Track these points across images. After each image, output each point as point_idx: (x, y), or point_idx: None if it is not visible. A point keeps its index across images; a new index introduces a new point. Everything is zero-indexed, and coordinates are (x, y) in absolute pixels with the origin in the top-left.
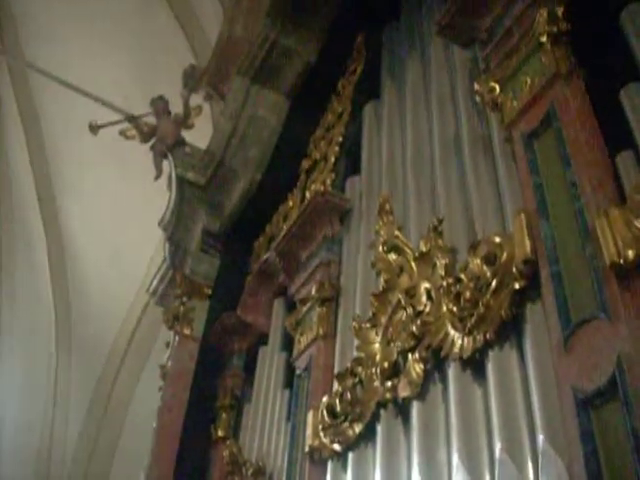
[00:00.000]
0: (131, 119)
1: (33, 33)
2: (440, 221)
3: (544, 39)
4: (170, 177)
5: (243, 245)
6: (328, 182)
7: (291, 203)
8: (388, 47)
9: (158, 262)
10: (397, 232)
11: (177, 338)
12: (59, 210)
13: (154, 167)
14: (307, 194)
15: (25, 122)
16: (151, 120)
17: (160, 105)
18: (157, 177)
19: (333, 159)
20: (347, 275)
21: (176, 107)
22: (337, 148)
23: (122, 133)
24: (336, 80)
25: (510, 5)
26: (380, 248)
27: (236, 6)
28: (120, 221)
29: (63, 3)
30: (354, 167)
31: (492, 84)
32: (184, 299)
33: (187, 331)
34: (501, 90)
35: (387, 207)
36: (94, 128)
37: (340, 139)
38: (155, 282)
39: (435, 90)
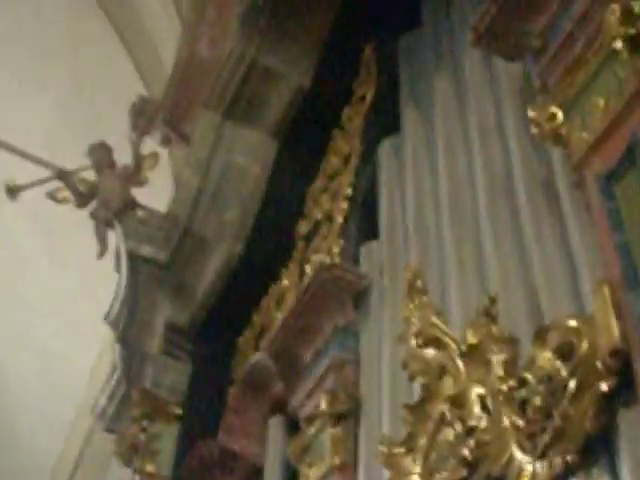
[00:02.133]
0: (62, 175)
1: None
2: (493, 300)
3: (619, 45)
4: (118, 254)
5: (222, 343)
6: (336, 251)
7: (286, 282)
8: (407, 63)
9: (105, 372)
10: (434, 318)
11: (137, 479)
12: None
13: (96, 241)
14: (307, 269)
15: None
16: (90, 176)
17: (101, 155)
18: (101, 255)
19: (341, 219)
20: (368, 380)
21: (123, 156)
22: (345, 203)
23: (51, 196)
24: (339, 110)
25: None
26: (412, 341)
27: (199, 18)
28: (51, 316)
29: None
30: (370, 229)
31: (552, 109)
32: (144, 423)
33: (150, 468)
34: (565, 117)
35: (418, 284)
36: (12, 190)
37: (349, 191)
38: (102, 400)
39: (474, 118)
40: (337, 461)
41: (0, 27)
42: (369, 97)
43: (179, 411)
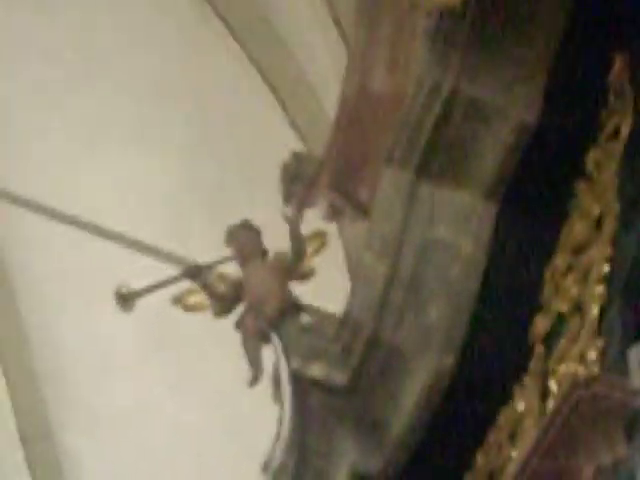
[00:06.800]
0: (193, 272)
1: None
2: None
3: None
4: (276, 378)
5: None
6: (592, 357)
7: (522, 405)
8: None
9: None
10: None
11: None
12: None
13: (246, 362)
14: (553, 385)
15: None
16: (230, 271)
17: (245, 240)
18: (254, 381)
19: (596, 310)
20: None
21: (275, 241)
22: (601, 287)
23: (178, 301)
24: (582, 154)
25: None
26: None
27: (371, 38)
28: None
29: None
30: (638, 322)
31: None
32: None
33: None
34: None
35: None
36: (126, 298)
37: (605, 268)
38: None
39: None
40: None
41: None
42: (625, 131)
43: None
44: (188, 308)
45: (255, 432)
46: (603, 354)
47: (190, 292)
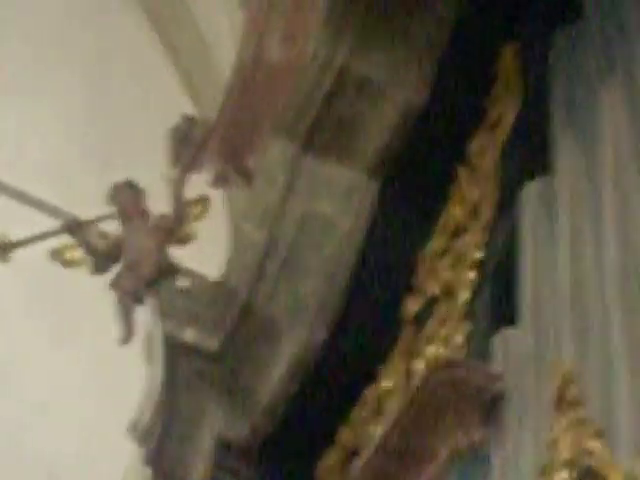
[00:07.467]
0: (73, 227)
1: None
2: None
3: None
4: (149, 340)
5: (295, 469)
6: (458, 341)
7: (387, 384)
8: (563, 71)
9: None
10: (593, 443)
11: None
12: None
13: (119, 322)
14: (418, 366)
15: None
16: (112, 229)
17: (128, 199)
18: (125, 341)
19: (466, 295)
20: None
21: (159, 202)
22: (473, 273)
23: (56, 255)
24: (465, 140)
25: None
26: (561, 475)
27: (269, 7)
28: (56, 422)
29: None
30: (507, 309)
31: None
32: None
33: None
34: None
35: (571, 392)
36: (3, 248)
37: (478, 255)
38: None
39: None
40: None
41: None
42: (508, 121)
43: None
44: (66, 263)
45: (130, 392)
46: (469, 339)
47: (69, 247)
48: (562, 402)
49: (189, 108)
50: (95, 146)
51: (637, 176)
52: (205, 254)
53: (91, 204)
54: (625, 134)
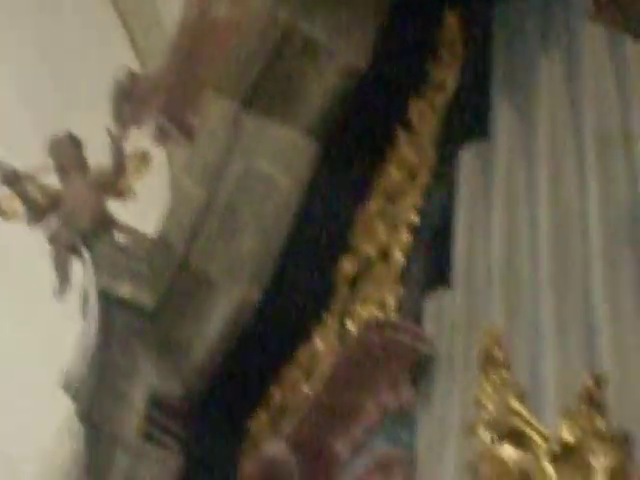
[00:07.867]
0: (11, 178)
1: None
2: (602, 382)
3: None
4: (85, 293)
5: (226, 427)
6: (391, 302)
7: (320, 344)
8: (504, 40)
9: (63, 459)
10: (516, 403)
11: None
12: None
13: (54, 273)
14: (350, 326)
15: None
16: (50, 181)
17: (67, 152)
18: (60, 293)
19: (401, 257)
20: None
21: (98, 155)
22: (408, 235)
23: None
24: (405, 103)
25: None
26: (484, 434)
27: None
28: None
29: None
30: (440, 272)
31: None
32: None
33: None
34: None
35: (497, 353)
36: None
37: (414, 218)
38: None
39: (592, 120)
40: None
41: None
42: (449, 86)
43: None
44: (3, 214)
45: (63, 344)
46: (402, 301)
47: (6, 198)
48: (488, 363)
49: (133, 63)
50: (40, 99)
51: (572, 140)
52: (145, 212)
53: (34, 157)
54: (561, 100)
